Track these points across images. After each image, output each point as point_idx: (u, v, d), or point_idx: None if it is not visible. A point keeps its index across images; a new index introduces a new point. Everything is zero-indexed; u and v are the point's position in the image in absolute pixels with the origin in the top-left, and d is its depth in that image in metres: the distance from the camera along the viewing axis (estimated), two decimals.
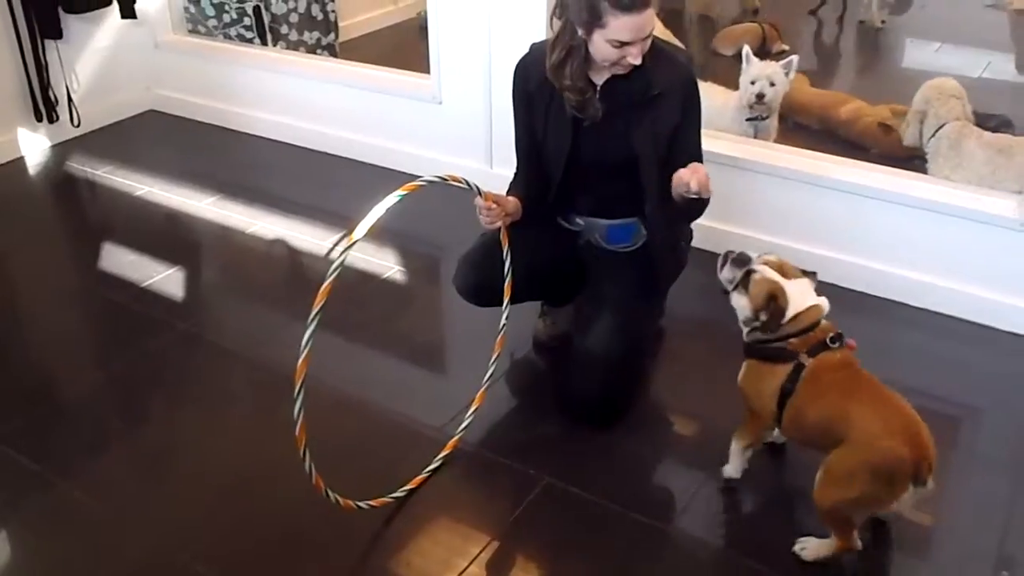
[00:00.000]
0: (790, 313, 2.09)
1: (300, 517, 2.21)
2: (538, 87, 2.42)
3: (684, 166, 2.26)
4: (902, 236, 2.97)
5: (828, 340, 2.08)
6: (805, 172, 3.08)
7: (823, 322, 2.11)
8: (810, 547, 2.09)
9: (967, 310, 2.91)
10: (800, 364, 2.07)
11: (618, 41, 2.20)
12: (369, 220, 1.95)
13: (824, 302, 2.12)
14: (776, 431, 2.27)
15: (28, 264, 3.44)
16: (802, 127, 4.13)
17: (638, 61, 2.24)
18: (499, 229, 2.41)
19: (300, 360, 1.87)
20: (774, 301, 2.09)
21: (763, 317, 2.10)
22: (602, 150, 2.42)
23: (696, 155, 2.40)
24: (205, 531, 2.21)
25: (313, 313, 1.87)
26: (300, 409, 1.92)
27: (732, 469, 2.27)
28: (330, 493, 2.08)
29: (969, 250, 2.88)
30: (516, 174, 2.59)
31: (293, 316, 2.33)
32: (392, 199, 1.98)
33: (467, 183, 2.25)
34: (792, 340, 2.10)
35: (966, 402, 2.63)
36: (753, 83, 3.53)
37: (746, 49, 3.60)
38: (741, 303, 2.15)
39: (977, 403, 2.63)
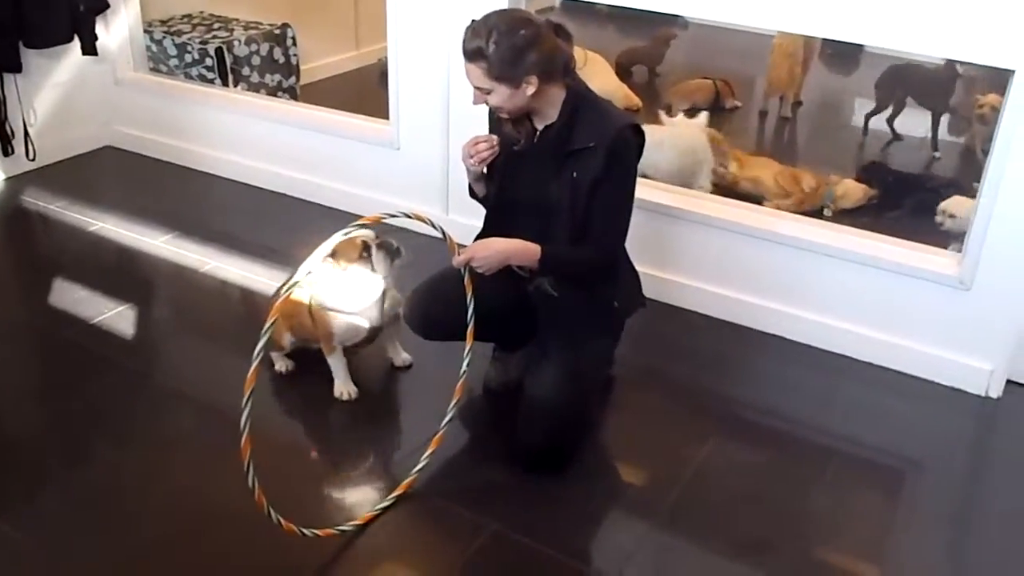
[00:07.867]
0: None
1: (246, 559, 2.20)
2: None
3: (597, 222, 2.38)
4: (845, 290, 3.04)
5: None
6: (745, 224, 3.15)
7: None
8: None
9: (909, 364, 2.98)
10: None
11: None
12: (324, 248, 2.12)
13: None
14: None
15: None
16: None
17: (473, 103, 2.40)
18: (454, 269, 2.45)
19: (251, 370, 1.97)
20: None
21: None
22: (525, 192, 2.48)
23: (611, 213, 2.42)
24: (146, 573, 2.17)
25: (266, 326, 2.01)
26: (247, 421, 1.97)
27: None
28: (272, 512, 2.07)
29: (911, 306, 2.95)
30: None
31: (244, 358, 2.30)
32: (348, 230, 2.18)
33: (432, 224, 2.35)
34: None
35: (908, 456, 2.68)
36: None
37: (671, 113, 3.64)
38: None
39: (918, 457, 2.68)
